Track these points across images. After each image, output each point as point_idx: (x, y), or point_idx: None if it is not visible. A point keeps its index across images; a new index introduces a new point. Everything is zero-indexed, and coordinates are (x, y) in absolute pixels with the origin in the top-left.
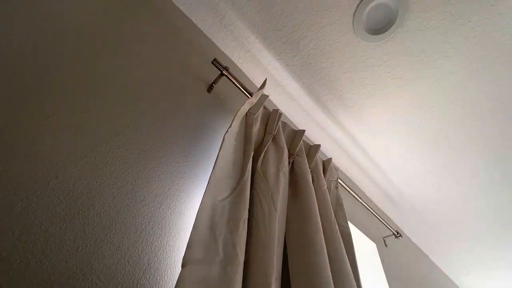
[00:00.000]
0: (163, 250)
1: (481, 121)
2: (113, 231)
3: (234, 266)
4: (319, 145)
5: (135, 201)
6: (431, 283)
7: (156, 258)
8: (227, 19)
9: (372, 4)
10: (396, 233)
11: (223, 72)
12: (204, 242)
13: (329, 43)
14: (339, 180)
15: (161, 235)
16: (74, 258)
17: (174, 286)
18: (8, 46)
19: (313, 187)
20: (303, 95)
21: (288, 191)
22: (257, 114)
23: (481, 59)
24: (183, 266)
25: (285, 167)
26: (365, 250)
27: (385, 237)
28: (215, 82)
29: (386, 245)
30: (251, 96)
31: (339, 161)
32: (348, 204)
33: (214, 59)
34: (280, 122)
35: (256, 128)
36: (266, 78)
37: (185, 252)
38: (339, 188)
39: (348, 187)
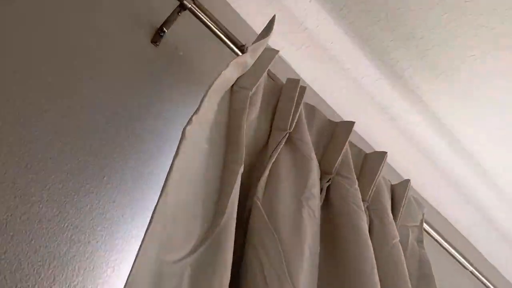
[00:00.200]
0: None
1: None
2: None
3: None
4: (384, 154)
5: None
6: None
7: None
8: None
9: None
10: None
11: (184, 1)
12: None
13: None
14: (425, 226)
15: None
16: None
17: None
18: None
19: (370, 242)
20: (358, 53)
21: (320, 247)
22: (254, 88)
23: None
24: None
25: (314, 199)
26: None
27: None
28: (167, 23)
29: None
30: (241, 52)
31: (422, 183)
32: (440, 270)
33: None
34: (302, 106)
35: (253, 116)
36: (274, 15)
37: None
38: (425, 242)
39: (443, 238)
